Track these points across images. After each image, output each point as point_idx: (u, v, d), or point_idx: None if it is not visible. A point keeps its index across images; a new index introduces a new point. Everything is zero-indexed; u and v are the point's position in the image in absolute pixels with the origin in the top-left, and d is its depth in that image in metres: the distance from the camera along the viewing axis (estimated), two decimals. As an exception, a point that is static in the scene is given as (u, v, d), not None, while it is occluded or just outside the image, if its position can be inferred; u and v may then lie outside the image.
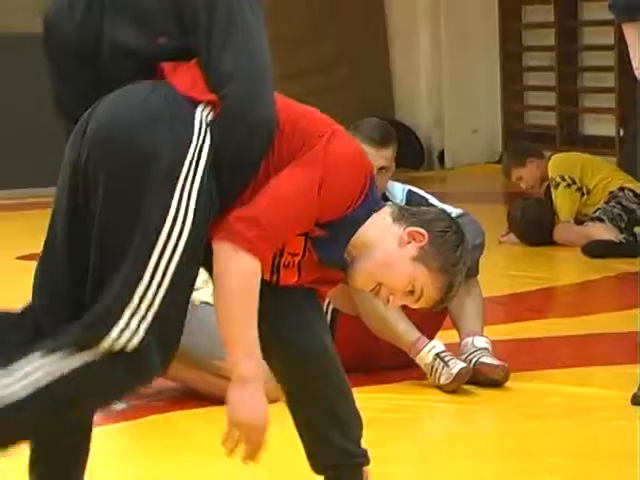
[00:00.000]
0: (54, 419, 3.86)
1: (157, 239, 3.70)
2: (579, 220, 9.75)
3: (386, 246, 3.96)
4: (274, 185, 3.85)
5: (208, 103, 3.84)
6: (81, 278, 3.82)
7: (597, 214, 9.61)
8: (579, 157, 10.19)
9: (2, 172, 12.98)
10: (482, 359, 6.18)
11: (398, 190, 6.50)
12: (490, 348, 6.22)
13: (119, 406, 5.95)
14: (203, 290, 5.85)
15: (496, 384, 6.19)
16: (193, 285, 3.91)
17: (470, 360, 6.18)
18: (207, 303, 5.99)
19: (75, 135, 3.90)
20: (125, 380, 3.78)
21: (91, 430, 4.12)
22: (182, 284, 3.81)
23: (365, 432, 4.13)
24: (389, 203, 4.13)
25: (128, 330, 3.65)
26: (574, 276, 8.99)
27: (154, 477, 5.18)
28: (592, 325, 7.22)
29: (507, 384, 6.21)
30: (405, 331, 6.21)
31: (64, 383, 3.69)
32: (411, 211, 4.06)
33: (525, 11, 14.47)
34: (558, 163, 9.94)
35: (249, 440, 3.81)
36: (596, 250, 9.26)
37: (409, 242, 3.96)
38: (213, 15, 3.96)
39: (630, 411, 5.81)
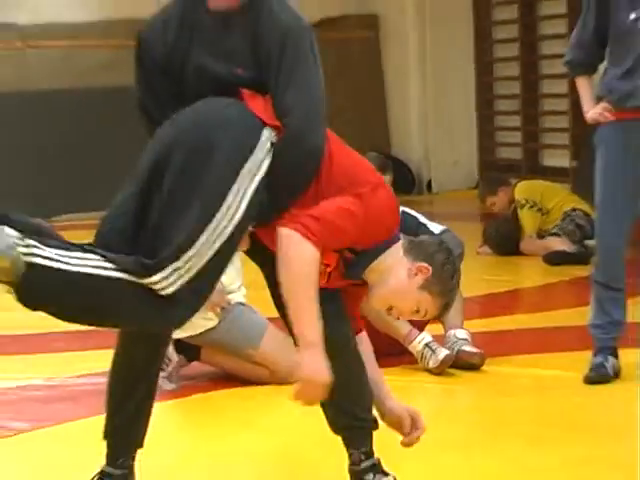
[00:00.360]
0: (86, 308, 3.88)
1: (213, 216, 3.76)
2: (540, 234, 9.76)
3: (398, 276, 4.03)
4: (333, 203, 3.90)
5: (274, 128, 3.91)
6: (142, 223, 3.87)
7: (555, 230, 9.63)
8: (540, 184, 10.20)
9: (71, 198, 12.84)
10: (463, 347, 6.17)
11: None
12: (469, 339, 6.21)
13: (170, 387, 5.92)
14: (237, 293, 5.83)
15: (474, 368, 6.17)
16: (227, 263, 3.90)
17: (453, 348, 6.16)
18: (241, 304, 5.95)
19: (166, 123, 3.99)
20: (147, 312, 3.82)
21: (154, 391, 4.22)
22: (221, 260, 3.82)
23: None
24: (402, 236, 4.11)
25: (167, 280, 3.71)
26: (537, 280, 9.01)
27: (201, 446, 5.08)
28: (552, 319, 7.16)
29: (483, 368, 6.17)
30: (400, 325, 6.15)
31: (103, 282, 3.76)
32: (418, 244, 4.12)
33: (496, 68, 14.35)
34: (523, 189, 9.93)
35: (310, 392, 3.81)
36: (554, 259, 9.28)
37: (416, 274, 4.03)
38: (282, 56, 4.02)
39: (584, 389, 5.77)
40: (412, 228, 5.72)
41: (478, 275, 8.96)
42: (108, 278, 3.75)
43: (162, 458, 4.65)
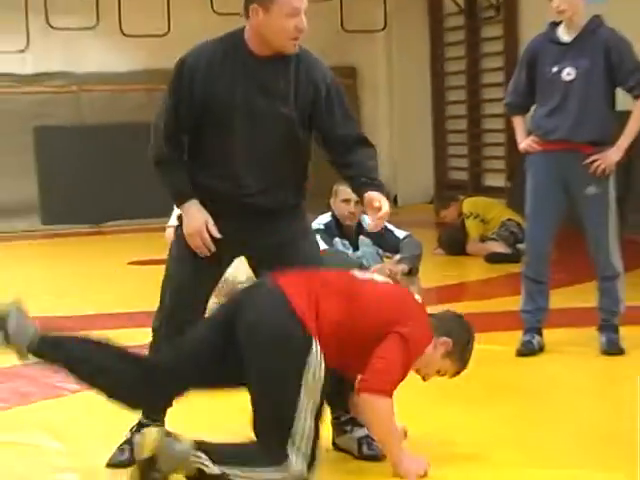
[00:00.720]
0: None
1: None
2: (481, 239, 9.71)
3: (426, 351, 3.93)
4: (391, 351, 3.79)
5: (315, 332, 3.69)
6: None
7: (493, 236, 9.58)
8: (482, 200, 10.17)
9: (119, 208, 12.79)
10: None
11: (368, 220, 6.30)
12: None
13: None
14: (245, 284, 5.45)
15: None
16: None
17: None
18: None
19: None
20: None
21: None
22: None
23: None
24: None
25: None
26: (479, 275, 8.94)
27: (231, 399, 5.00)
28: (491, 306, 7.14)
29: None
30: None
31: None
32: (440, 321, 4.04)
33: (448, 109, 14.33)
34: (469, 204, 9.87)
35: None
36: (494, 259, 9.23)
37: (440, 346, 3.96)
38: (335, 97, 3.99)
39: (515, 360, 5.76)
40: (381, 233, 5.65)
41: (434, 271, 8.92)
42: None
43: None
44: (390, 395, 3.79)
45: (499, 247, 9.45)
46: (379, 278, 4.16)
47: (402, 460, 3.86)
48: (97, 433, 4.55)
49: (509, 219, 9.54)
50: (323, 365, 3.68)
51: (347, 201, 6.18)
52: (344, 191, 5.96)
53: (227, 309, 3.85)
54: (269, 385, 3.66)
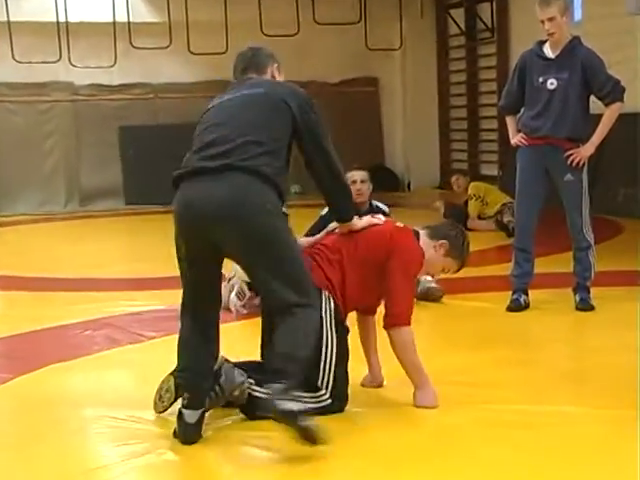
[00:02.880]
0: None
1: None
2: (481, 217, 9.51)
3: (428, 254, 3.88)
4: (397, 284, 3.72)
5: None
6: None
7: (495, 216, 9.36)
8: (484, 185, 9.85)
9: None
10: (430, 285, 5.97)
11: (374, 203, 6.13)
12: (434, 281, 5.96)
13: (244, 312, 5.82)
14: None
15: (437, 299, 6.02)
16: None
17: (424, 285, 5.94)
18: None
19: None
20: None
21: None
22: None
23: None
24: (422, 229, 3.96)
25: None
26: (477, 247, 8.56)
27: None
28: (486, 271, 7.07)
29: (442, 300, 6.08)
30: None
31: None
32: (435, 229, 3.98)
33: (452, 112, 14.25)
34: (474, 187, 9.64)
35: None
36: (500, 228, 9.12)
37: (440, 248, 3.90)
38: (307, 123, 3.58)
39: (506, 314, 5.73)
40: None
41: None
42: None
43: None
44: (410, 322, 3.77)
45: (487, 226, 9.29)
46: (361, 223, 3.87)
47: (427, 384, 3.83)
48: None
49: (504, 203, 9.27)
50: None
51: (353, 182, 5.72)
52: (349, 174, 5.51)
53: None
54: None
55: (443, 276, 4.27)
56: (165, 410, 3.81)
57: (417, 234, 3.95)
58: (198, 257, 3.52)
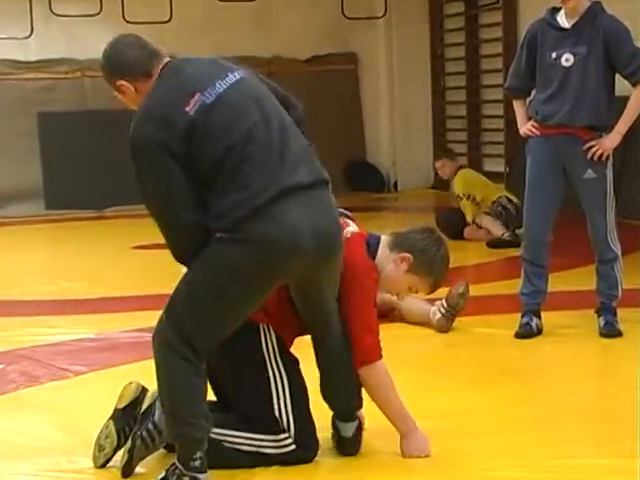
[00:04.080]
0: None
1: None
2: (473, 220, 9.46)
3: (388, 269, 3.89)
4: (356, 312, 3.79)
5: None
6: None
7: (487, 210, 9.35)
8: (474, 179, 9.72)
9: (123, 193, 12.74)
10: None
11: None
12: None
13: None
14: None
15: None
16: None
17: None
18: None
19: None
20: None
21: None
22: None
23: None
24: (384, 237, 3.99)
25: None
26: (479, 258, 8.80)
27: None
28: (492, 289, 7.13)
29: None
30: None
31: None
32: (402, 238, 3.97)
33: (447, 94, 14.32)
34: (461, 184, 9.53)
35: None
36: (495, 244, 9.02)
37: (401, 262, 3.89)
38: None
39: (514, 342, 5.75)
40: None
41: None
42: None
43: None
44: (381, 355, 3.83)
45: (493, 226, 9.23)
46: None
47: (414, 430, 3.88)
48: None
49: (500, 197, 9.35)
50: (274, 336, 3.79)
51: None
52: None
53: None
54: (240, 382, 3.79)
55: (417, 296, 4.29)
56: (107, 463, 3.84)
57: (377, 242, 3.96)
58: (263, 298, 3.61)
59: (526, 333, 5.77)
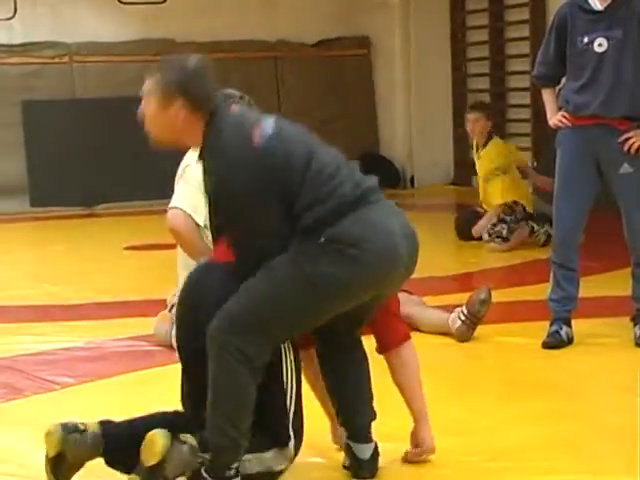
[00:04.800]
0: None
1: None
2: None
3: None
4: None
5: None
6: None
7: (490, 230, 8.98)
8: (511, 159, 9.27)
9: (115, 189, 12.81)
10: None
11: None
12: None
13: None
14: None
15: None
16: None
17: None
18: None
19: None
20: None
21: None
22: None
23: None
24: None
25: None
26: (503, 261, 8.74)
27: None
28: (518, 294, 7.12)
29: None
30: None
31: None
32: None
33: (469, 82, 14.30)
34: (502, 154, 9.14)
35: None
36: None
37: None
38: None
39: (542, 352, 5.75)
40: None
41: (454, 258, 8.95)
42: None
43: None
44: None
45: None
46: None
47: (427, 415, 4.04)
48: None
49: (506, 204, 8.96)
50: None
51: None
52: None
53: None
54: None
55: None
56: None
57: None
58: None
59: (555, 342, 5.78)
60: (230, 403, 3.65)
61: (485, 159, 9.09)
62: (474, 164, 9.44)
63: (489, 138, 9.07)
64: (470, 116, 9.24)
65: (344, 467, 4.02)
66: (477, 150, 9.24)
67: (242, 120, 3.77)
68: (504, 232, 8.83)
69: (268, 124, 3.74)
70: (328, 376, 4.03)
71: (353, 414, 4.00)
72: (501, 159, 9.01)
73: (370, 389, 4.03)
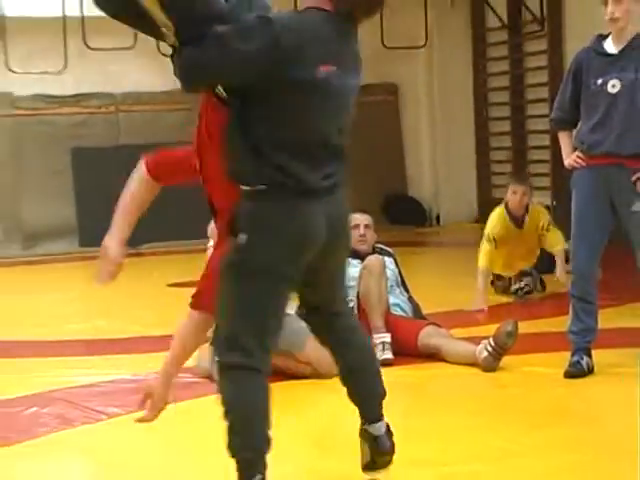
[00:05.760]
0: None
1: None
2: None
3: None
4: None
5: None
6: None
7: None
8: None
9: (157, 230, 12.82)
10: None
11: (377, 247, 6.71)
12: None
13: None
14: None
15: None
16: None
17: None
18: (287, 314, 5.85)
19: None
20: None
21: None
22: None
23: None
24: None
25: None
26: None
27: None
28: (539, 326, 7.10)
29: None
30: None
31: None
32: None
33: (491, 125, 14.31)
34: (545, 216, 8.49)
35: None
36: None
37: None
38: None
39: (564, 382, 5.72)
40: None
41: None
42: None
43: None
44: None
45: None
46: None
47: None
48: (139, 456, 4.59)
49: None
50: None
51: (356, 227, 6.31)
52: (352, 217, 5.46)
53: None
54: None
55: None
56: None
57: None
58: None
59: (577, 372, 5.74)
60: (242, 414, 3.62)
61: (533, 222, 8.28)
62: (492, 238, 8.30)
63: (526, 209, 8.32)
64: (523, 189, 8.33)
65: (363, 469, 4.00)
66: (517, 224, 8.33)
67: None
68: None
69: None
70: (339, 364, 4.04)
71: (365, 396, 4.01)
72: (545, 219, 8.33)
73: (378, 369, 4.05)
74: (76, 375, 6.27)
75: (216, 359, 3.70)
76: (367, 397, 4.03)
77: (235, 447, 3.60)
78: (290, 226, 3.59)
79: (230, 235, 3.67)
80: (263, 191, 3.57)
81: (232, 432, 3.60)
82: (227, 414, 3.62)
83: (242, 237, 3.59)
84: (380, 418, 4.02)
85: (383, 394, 4.03)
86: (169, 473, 4.36)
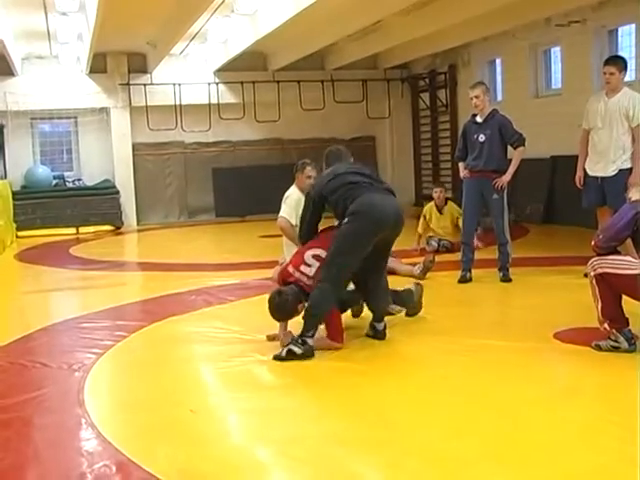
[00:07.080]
0: None
1: None
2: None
3: None
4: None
5: None
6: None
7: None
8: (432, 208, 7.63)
9: (256, 207, 12.63)
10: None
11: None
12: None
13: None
14: None
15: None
16: None
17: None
18: None
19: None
20: None
21: None
22: None
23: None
24: None
25: None
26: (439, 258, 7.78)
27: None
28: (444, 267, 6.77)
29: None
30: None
31: None
32: None
33: (422, 157, 13.97)
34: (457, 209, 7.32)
35: None
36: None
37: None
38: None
39: (458, 285, 5.46)
40: None
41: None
42: None
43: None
44: None
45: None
46: None
47: None
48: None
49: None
50: None
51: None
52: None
53: None
54: None
55: None
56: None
57: None
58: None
59: (464, 279, 5.61)
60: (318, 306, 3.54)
61: (449, 213, 7.67)
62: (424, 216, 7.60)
63: (445, 202, 7.72)
64: (439, 191, 7.55)
65: (366, 335, 3.82)
66: (439, 210, 7.55)
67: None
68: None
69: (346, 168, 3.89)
70: (361, 283, 3.79)
71: (377, 302, 3.79)
72: (457, 212, 7.48)
73: (387, 285, 3.80)
74: (211, 280, 6.22)
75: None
76: (377, 310, 3.82)
77: (310, 315, 3.52)
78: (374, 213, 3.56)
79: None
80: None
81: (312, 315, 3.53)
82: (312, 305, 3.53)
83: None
84: (382, 319, 3.82)
85: (389, 302, 3.88)
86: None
